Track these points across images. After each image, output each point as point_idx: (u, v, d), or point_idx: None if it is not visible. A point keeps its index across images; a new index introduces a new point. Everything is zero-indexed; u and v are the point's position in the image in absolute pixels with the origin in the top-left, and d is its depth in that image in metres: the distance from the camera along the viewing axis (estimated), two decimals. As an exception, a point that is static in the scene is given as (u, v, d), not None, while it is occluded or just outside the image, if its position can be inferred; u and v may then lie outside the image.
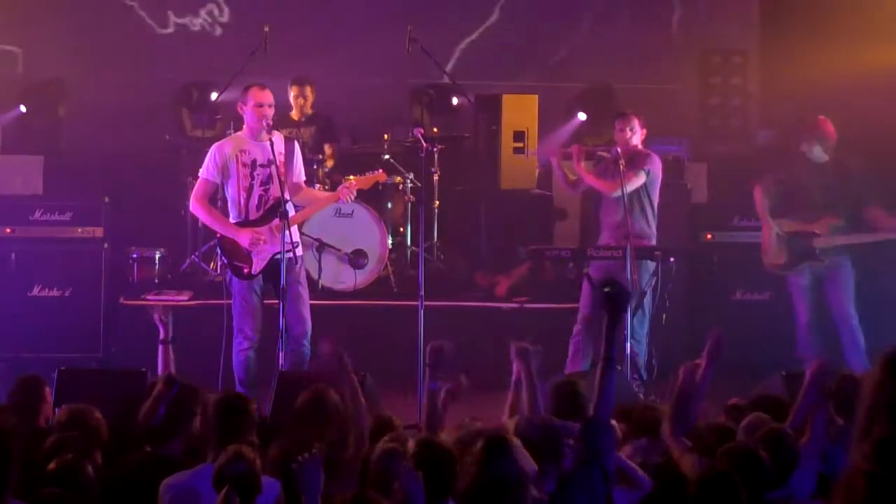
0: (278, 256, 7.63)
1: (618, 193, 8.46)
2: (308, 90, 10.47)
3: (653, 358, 8.59)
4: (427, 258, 9.28)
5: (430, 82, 11.59)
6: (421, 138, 8.42)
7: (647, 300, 8.47)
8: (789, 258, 8.86)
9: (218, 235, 7.97)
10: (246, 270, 7.78)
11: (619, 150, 8.56)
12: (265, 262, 7.76)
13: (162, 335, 6.63)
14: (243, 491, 4.48)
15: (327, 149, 10.46)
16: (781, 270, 8.98)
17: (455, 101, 11.37)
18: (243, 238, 7.73)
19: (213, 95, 10.71)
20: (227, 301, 7.88)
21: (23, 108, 10.96)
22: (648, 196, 8.64)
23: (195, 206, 7.91)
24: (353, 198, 7.99)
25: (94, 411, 5.44)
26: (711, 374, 5.38)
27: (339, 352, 5.54)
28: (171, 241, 10.36)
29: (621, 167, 8.40)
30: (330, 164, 10.37)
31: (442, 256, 10.56)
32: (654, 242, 8.60)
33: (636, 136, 8.71)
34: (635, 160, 8.61)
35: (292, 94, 10.46)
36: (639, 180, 8.57)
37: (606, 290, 4.84)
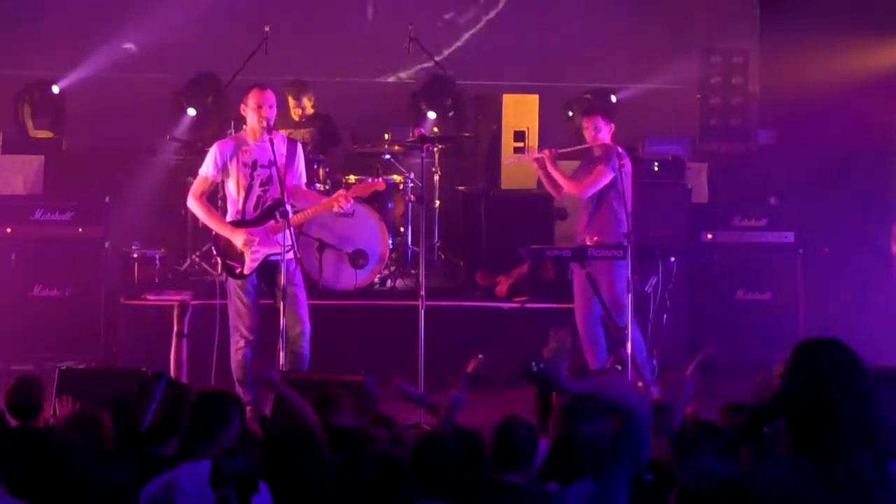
0: (272, 257, 7.65)
1: (589, 194, 8.56)
2: (305, 101, 10.39)
3: (653, 358, 8.57)
4: (427, 258, 9.26)
5: (430, 75, 11.57)
6: (421, 138, 8.44)
7: (627, 302, 8.28)
8: None
9: (213, 233, 7.97)
10: (238, 270, 7.79)
11: (590, 146, 8.69)
12: (257, 263, 7.77)
13: (176, 328, 6.62)
14: (241, 489, 4.39)
15: (329, 152, 10.43)
16: None
17: (432, 114, 11.35)
18: (237, 238, 7.74)
19: (191, 111, 10.73)
20: (223, 301, 7.90)
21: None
22: (618, 192, 8.59)
23: (192, 202, 7.90)
24: (347, 207, 7.98)
25: (102, 415, 5.40)
26: (695, 385, 5.45)
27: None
28: (171, 241, 10.35)
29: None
30: (330, 167, 10.34)
31: (442, 256, 10.55)
32: (624, 230, 8.43)
33: (602, 133, 8.70)
34: (601, 157, 8.65)
35: (289, 101, 10.40)
36: (605, 177, 8.56)
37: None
